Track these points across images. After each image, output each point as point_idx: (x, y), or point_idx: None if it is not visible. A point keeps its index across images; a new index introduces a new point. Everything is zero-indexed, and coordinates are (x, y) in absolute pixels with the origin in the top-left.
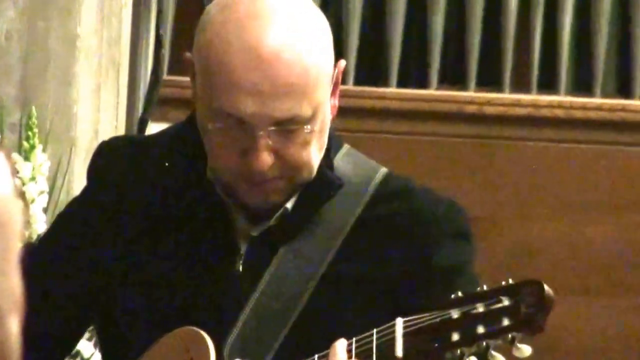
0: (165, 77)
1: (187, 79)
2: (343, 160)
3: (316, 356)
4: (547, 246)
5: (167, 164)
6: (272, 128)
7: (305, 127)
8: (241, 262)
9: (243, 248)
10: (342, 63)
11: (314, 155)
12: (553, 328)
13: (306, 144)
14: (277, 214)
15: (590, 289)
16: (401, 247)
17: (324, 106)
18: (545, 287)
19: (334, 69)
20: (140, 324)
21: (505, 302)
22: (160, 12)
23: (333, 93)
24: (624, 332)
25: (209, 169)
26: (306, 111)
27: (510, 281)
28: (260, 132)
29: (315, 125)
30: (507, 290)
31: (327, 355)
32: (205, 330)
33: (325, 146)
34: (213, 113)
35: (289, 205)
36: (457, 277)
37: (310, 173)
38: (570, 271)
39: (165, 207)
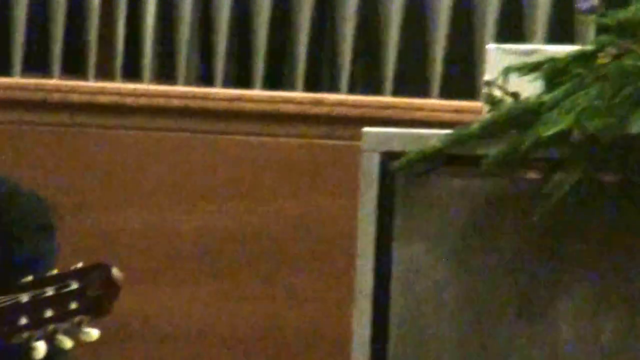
0: None
1: None
2: None
3: None
4: (133, 235)
5: None
6: None
7: None
8: None
9: None
10: None
11: None
12: (139, 315)
13: None
14: None
15: (177, 277)
16: None
17: None
18: (113, 270)
19: None
20: None
21: (74, 285)
22: None
23: None
24: (210, 318)
25: None
26: None
27: (80, 265)
28: None
29: None
30: (76, 274)
31: None
32: None
33: None
34: None
35: None
36: (36, 270)
37: None
38: (157, 259)
39: None
